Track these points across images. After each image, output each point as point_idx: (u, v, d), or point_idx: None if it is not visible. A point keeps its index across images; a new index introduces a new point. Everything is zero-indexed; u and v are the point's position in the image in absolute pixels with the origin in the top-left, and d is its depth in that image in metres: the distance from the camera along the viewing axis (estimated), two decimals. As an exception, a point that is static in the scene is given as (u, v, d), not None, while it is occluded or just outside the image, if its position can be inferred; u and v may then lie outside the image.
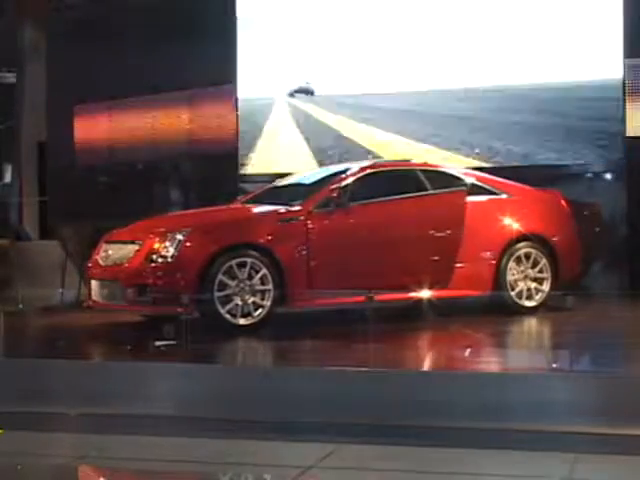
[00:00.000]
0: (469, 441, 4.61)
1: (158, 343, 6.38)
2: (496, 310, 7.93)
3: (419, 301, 7.74)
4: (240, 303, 6.92)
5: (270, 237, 7.12)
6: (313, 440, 4.66)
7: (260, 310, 6.99)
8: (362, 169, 7.85)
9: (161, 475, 4.45)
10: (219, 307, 6.86)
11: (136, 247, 7.07)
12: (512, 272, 7.91)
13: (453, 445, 4.55)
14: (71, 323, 8.24)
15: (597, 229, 8.66)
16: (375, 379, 5.21)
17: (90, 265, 7.55)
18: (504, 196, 8.22)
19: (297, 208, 7.35)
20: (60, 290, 9.61)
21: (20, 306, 9.10)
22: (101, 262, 7.37)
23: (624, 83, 9.83)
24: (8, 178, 14.60)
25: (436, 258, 7.60)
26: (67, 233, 10.30)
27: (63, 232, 10.45)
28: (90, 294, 7.47)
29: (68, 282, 9.59)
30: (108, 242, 7.48)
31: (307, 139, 11.08)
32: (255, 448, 4.64)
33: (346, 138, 10.98)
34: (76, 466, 4.52)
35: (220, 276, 6.86)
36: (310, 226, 7.26)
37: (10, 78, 14.21)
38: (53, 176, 12.95)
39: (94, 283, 7.40)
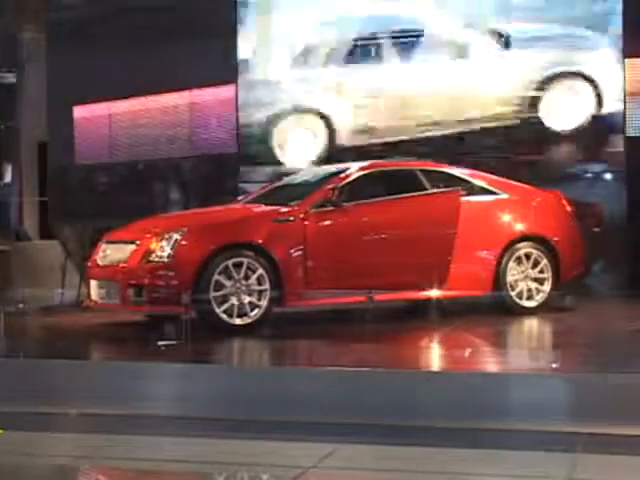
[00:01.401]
0: (469, 441, 4.61)
1: (160, 343, 6.38)
2: (496, 310, 7.93)
3: (416, 301, 7.76)
4: (236, 303, 6.92)
5: (267, 237, 7.11)
6: (313, 440, 4.66)
7: (257, 310, 6.99)
8: (360, 169, 7.85)
9: (161, 475, 4.44)
10: (215, 307, 6.86)
11: (133, 247, 7.07)
12: (512, 272, 7.91)
13: (453, 445, 4.55)
14: (71, 323, 8.24)
15: (597, 229, 8.65)
16: (375, 379, 5.22)
17: (89, 265, 7.57)
18: (504, 196, 8.21)
19: (294, 208, 7.35)
20: (60, 290, 9.61)
21: (20, 306, 9.10)
22: (99, 262, 7.38)
23: (624, 82, 9.85)
24: (8, 178, 14.61)
25: (434, 258, 7.59)
26: (67, 233, 10.30)
27: (63, 232, 10.45)
28: (89, 294, 7.48)
29: (68, 282, 9.59)
30: (106, 242, 7.49)
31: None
32: (255, 448, 4.63)
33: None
34: (76, 466, 4.52)
35: (216, 276, 6.87)
36: (307, 226, 7.26)
37: (10, 78, 14.22)
38: (53, 176, 12.95)
39: (93, 283, 7.41)
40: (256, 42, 11.29)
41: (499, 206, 8.14)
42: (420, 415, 4.90)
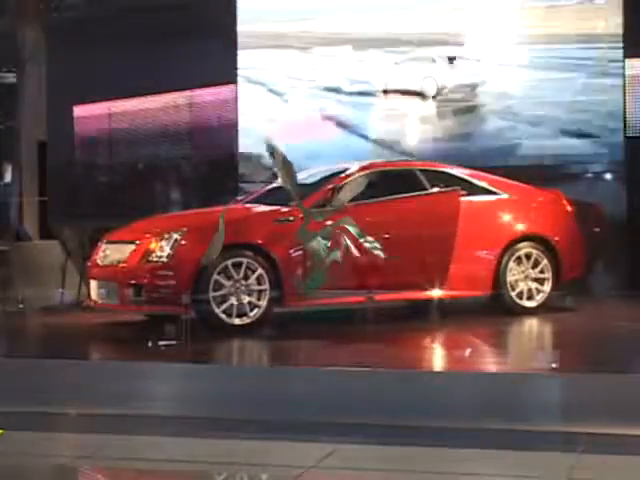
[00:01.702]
0: (469, 441, 4.61)
1: (160, 343, 6.38)
2: (496, 310, 7.92)
3: (416, 301, 7.76)
4: (236, 303, 6.92)
5: (267, 237, 7.12)
6: (313, 440, 4.66)
7: (256, 310, 6.98)
8: (360, 169, 7.84)
9: (161, 475, 4.45)
10: (214, 307, 6.86)
11: (133, 247, 7.08)
12: (512, 272, 7.90)
13: (453, 445, 4.55)
14: (71, 323, 8.24)
15: (597, 229, 8.66)
16: (375, 379, 5.21)
17: (89, 265, 7.57)
18: (505, 196, 8.20)
19: (294, 208, 7.33)
20: (60, 290, 9.61)
21: (20, 306, 9.10)
22: (99, 262, 7.38)
23: (624, 83, 9.86)
24: (8, 178, 14.61)
25: (434, 258, 7.57)
26: (67, 233, 10.30)
27: (63, 232, 10.45)
28: (89, 294, 7.48)
29: (68, 282, 9.60)
30: (106, 242, 7.49)
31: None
32: (255, 448, 4.64)
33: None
34: (76, 466, 4.52)
35: (216, 276, 6.86)
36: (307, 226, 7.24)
37: (10, 78, 14.22)
38: (53, 176, 12.95)
39: (93, 283, 7.41)
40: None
41: (499, 206, 8.13)
42: (420, 415, 4.90)
